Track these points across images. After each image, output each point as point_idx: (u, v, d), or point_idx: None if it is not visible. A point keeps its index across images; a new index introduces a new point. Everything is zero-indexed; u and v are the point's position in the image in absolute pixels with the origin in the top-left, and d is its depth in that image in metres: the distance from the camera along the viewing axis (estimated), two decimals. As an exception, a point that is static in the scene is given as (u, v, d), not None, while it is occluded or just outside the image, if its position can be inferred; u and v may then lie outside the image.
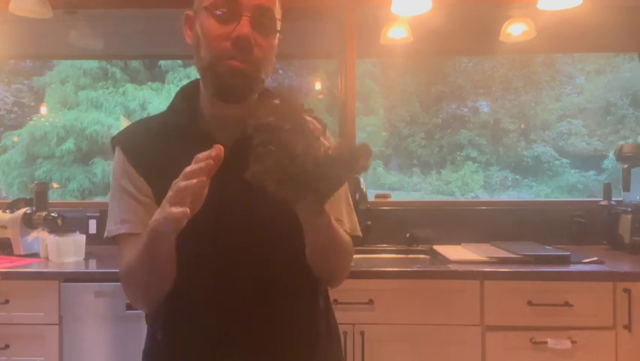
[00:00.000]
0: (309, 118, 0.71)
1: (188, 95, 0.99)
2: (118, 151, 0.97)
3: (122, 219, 0.93)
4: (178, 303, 0.93)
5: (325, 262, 0.94)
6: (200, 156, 0.73)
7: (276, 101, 0.70)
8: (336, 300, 1.85)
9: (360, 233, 1.05)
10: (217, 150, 0.73)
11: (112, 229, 0.94)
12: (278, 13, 0.92)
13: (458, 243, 2.41)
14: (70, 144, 8.86)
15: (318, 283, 1.00)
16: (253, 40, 0.86)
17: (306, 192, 0.68)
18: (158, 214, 0.77)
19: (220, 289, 0.91)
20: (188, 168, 0.73)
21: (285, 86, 9.22)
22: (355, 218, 1.05)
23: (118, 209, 0.94)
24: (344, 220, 1.01)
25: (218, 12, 0.87)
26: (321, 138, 0.70)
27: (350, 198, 1.06)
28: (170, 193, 0.74)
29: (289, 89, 0.83)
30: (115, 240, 0.95)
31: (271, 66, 0.94)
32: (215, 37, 0.87)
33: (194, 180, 0.72)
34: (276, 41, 0.93)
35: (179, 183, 0.73)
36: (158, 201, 0.91)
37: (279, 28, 0.92)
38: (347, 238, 0.97)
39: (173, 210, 0.72)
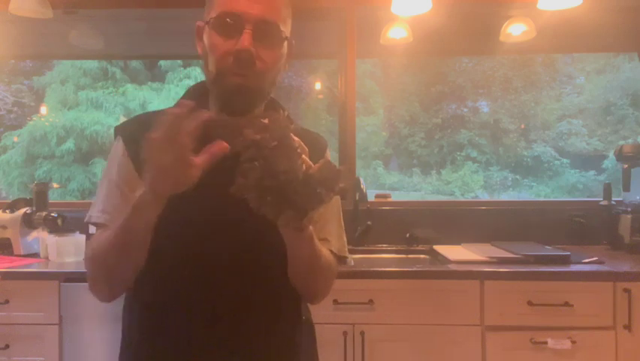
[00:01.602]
0: (295, 138, 0.73)
1: (197, 95, 0.98)
2: (119, 141, 0.97)
3: (103, 209, 0.93)
4: (157, 310, 0.92)
5: (305, 280, 0.94)
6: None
7: (265, 121, 0.72)
8: (336, 300, 1.85)
9: (347, 255, 1.05)
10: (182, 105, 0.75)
11: (93, 215, 0.94)
12: (285, 24, 0.92)
13: (458, 243, 2.41)
14: (70, 144, 8.86)
15: (300, 296, 1.00)
16: (256, 53, 0.86)
17: (284, 208, 0.70)
18: (143, 187, 0.78)
19: (200, 298, 0.91)
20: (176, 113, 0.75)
21: (285, 88, 9.21)
22: (344, 239, 1.05)
23: (104, 197, 0.94)
24: (331, 240, 1.00)
25: (221, 27, 0.88)
26: (304, 157, 0.74)
27: (342, 220, 1.06)
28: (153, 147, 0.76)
29: (279, 111, 0.85)
30: (94, 225, 0.95)
31: (278, 77, 0.94)
32: (219, 51, 0.88)
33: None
34: (283, 52, 0.93)
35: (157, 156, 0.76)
36: None
37: (285, 37, 0.91)
38: (330, 258, 0.97)
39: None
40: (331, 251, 0.99)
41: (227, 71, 0.87)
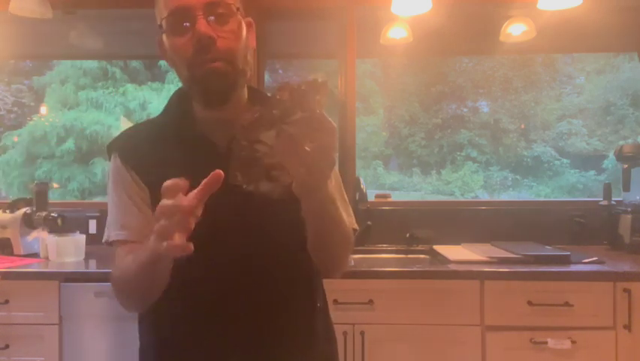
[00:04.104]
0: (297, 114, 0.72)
1: (181, 98, 1.00)
2: (114, 157, 0.98)
3: (121, 225, 0.93)
4: (172, 305, 0.92)
5: (323, 246, 0.92)
6: (169, 184, 0.69)
7: (257, 109, 0.72)
8: (336, 300, 1.85)
9: (356, 226, 1.05)
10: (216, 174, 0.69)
11: (111, 234, 0.94)
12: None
13: (458, 243, 2.41)
14: (70, 144, 8.86)
15: (317, 286, 1.01)
16: (214, 34, 0.86)
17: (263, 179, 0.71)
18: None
19: (216, 292, 0.91)
20: (163, 205, 0.69)
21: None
22: (351, 212, 1.05)
23: (117, 215, 0.95)
24: None
25: (175, 26, 0.88)
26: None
27: (344, 194, 1.06)
28: (155, 228, 0.70)
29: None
30: (112, 244, 0.95)
31: (248, 54, 0.94)
32: (182, 50, 0.88)
33: (175, 218, 0.68)
34: (241, 25, 0.92)
35: (160, 224, 0.69)
36: (155, 202, 0.91)
37: (237, 8, 0.91)
38: (348, 228, 0.96)
39: (167, 243, 0.68)
40: None
41: (196, 62, 0.87)
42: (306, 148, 0.70)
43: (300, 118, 0.68)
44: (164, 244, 0.69)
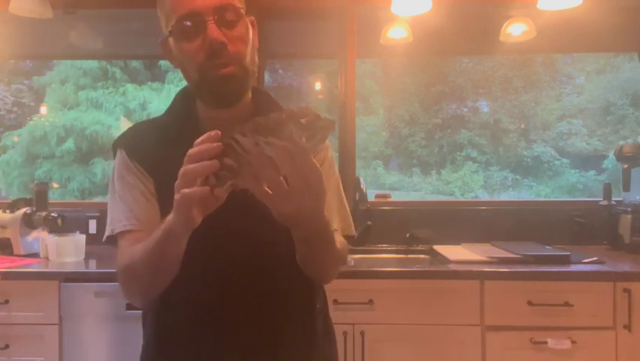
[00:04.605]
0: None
1: (185, 98, 1.00)
2: (120, 152, 0.98)
3: (127, 216, 0.93)
4: (171, 306, 0.93)
5: (311, 264, 0.93)
6: (199, 140, 0.71)
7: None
8: (336, 300, 1.85)
9: (354, 233, 1.05)
10: (213, 133, 0.71)
11: (117, 226, 0.93)
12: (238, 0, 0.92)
13: (458, 243, 2.41)
14: (70, 144, 8.85)
15: (316, 287, 1.01)
16: (225, 38, 0.87)
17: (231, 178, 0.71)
18: (172, 213, 0.75)
19: (215, 292, 0.91)
20: (190, 151, 0.71)
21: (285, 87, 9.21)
22: (349, 218, 1.05)
23: (123, 207, 0.94)
24: (336, 221, 1.00)
25: (185, 31, 0.88)
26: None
27: (344, 198, 1.06)
28: (177, 181, 0.72)
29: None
30: (117, 236, 0.94)
31: (254, 51, 0.95)
32: (193, 54, 0.88)
33: (201, 163, 0.69)
34: (248, 26, 0.93)
35: (185, 167, 0.71)
36: (161, 198, 0.91)
37: (244, 11, 0.92)
38: (340, 239, 0.97)
39: (186, 190, 0.69)
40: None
41: (208, 67, 0.88)
42: (282, 178, 0.70)
43: (277, 142, 0.67)
44: (187, 190, 0.69)
